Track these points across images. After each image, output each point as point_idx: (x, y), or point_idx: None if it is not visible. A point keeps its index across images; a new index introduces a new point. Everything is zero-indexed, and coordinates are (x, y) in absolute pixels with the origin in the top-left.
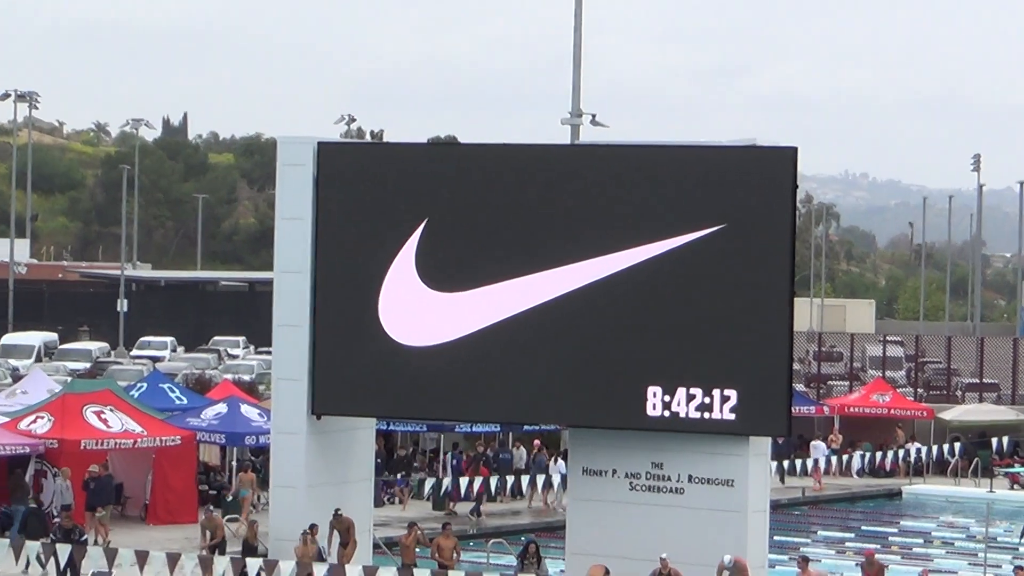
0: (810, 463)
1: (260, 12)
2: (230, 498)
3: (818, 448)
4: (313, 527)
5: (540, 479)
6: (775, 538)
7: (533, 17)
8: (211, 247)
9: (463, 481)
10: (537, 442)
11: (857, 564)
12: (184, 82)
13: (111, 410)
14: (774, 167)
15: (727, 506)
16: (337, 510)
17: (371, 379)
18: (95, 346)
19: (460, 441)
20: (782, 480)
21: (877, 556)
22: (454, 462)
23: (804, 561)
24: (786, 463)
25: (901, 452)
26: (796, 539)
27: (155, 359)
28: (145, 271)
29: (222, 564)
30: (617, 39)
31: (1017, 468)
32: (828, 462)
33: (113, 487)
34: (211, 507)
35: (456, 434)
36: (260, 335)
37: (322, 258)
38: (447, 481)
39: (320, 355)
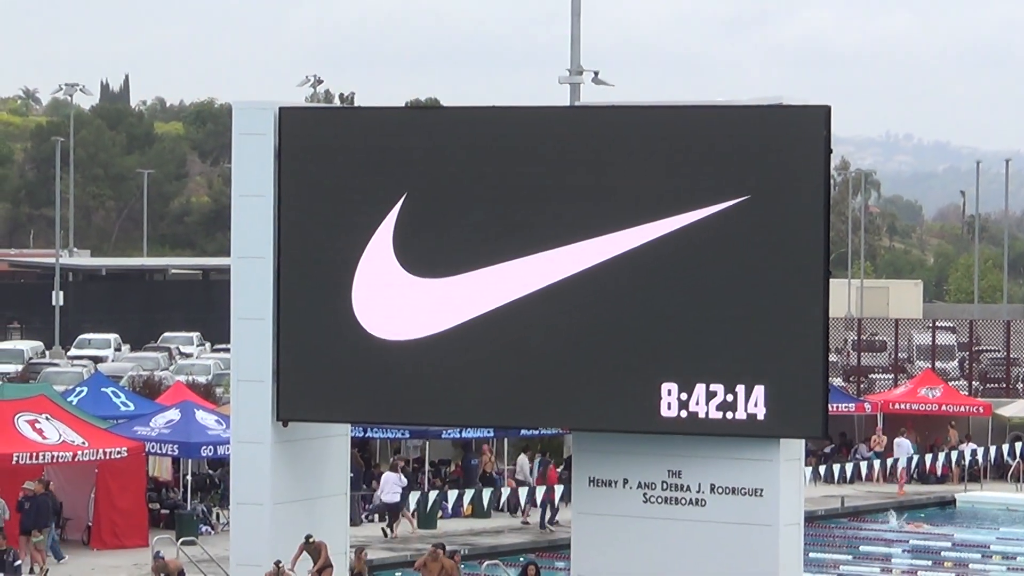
0: (889, 463)
1: None
2: None
3: (902, 446)
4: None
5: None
6: (811, 555)
7: None
8: (159, 230)
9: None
10: (486, 447)
11: None
12: (124, 41)
13: (47, 419)
14: (804, 129)
15: (755, 519)
16: (309, 537)
17: (344, 379)
18: (27, 345)
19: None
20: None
21: (927, 574)
22: (542, 468)
23: None
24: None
25: (954, 454)
26: (835, 555)
27: (96, 359)
28: (84, 258)
29: None
30: None
31: None
32: (871, 466)
33: (51, 507)
34: (160, 552)
35: (442, 441)
36: (216, 330)
37: (286, 241)
38: (524, 491)
39: (285, 353)
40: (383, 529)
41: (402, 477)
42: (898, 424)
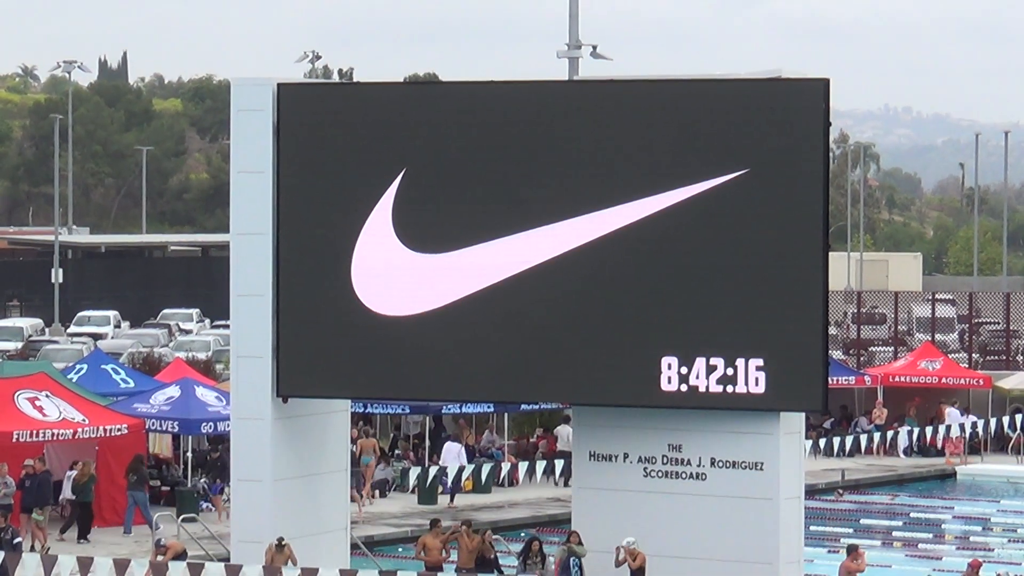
0: (942, 430)
1: None
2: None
3: (953, 415)
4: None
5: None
6: (811, 528)
7: None
8: (158, 207)
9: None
10: (462, 421)
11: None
12: (123, 17)
13: (47, 396)
14: (803, 102)
15: (756, 492)
16: (281, 539)
17: (344, 355)
18: (27, 323)
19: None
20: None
21: (928, 546)
22: None
23: (856, 552)
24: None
25: (955, 427)
26: (836, 528)
27: (96, 336)
28: (83, 236)
29: (178, 570)
30: None
31: None
32: (871, 439)
33: (51, 485)
34: (161, 540)
35: (443, 416)
36: (216, 307)
37: (285, 217)
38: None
39: (285, 329)
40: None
41: (463, 448)
42: (900, 397)
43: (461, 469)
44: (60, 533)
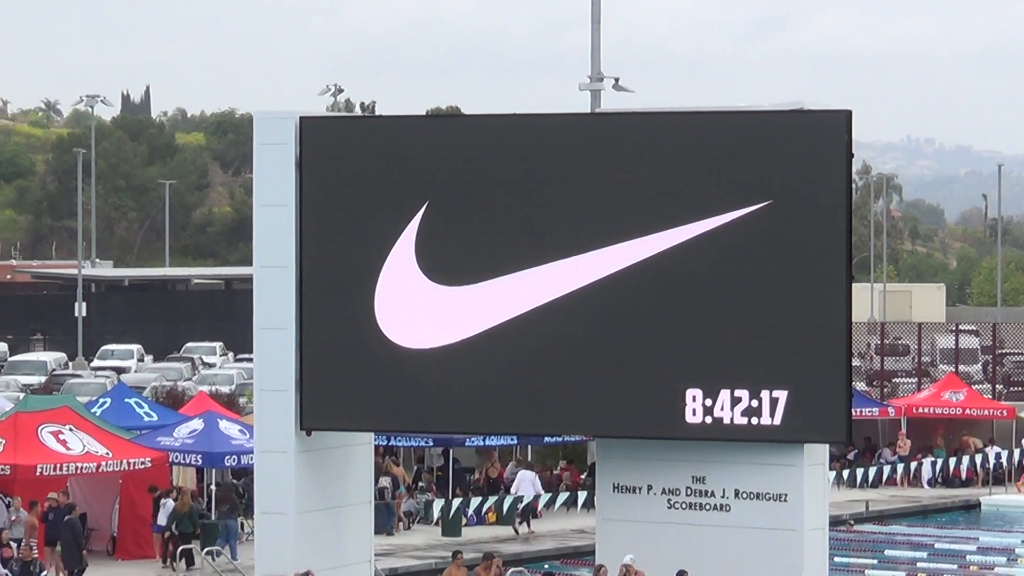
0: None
1: None
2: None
3: None
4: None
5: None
6: (835, 559)
7: None
8: (181, 240)
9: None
10: (493, 453)
11: None
12: (145, 52)
13: (70, 429)
14: (825, 134)
15: (780, 524)
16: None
17: (368, 388)
18: (50, 356)
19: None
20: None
21: None
22: None
23: None
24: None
25: (979, 458)
26: (860, 559)
27: (120, 370)
28: (106, 269)
29: None
30: None
31: None
32: (895, 470)
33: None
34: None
35: (466, 448)
36: (239, 340)
37: (308, 250)
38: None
39: (309, 362)
40: (514, 527)
41: (536, 476)
42: (924, 428)
43: (537, 497)
44: (163, 563)
